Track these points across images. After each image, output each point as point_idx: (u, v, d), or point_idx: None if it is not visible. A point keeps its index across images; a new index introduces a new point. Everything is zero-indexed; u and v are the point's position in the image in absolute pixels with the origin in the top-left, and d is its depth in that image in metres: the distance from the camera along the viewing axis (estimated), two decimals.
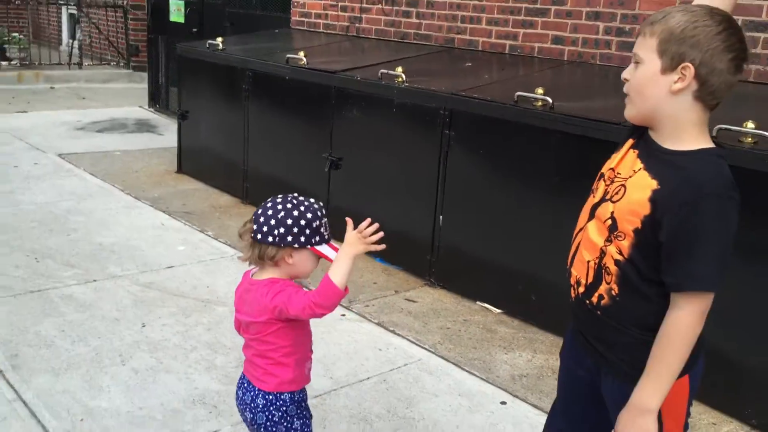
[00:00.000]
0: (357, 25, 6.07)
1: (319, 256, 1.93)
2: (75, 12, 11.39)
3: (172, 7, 8.61)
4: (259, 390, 1.96)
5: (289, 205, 1.91)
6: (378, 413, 2.89)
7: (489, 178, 3.86)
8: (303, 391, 2.04)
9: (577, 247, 1.77)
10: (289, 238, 1.88)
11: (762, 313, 2.87)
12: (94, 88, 10.61)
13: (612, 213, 1.66)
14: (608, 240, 1.66)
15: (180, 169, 6.32)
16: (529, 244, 3.67)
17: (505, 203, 3.77)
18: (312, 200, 1.97)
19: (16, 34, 11.82)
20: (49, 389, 2.88)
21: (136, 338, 3.34)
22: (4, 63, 10.77)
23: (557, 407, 2.00)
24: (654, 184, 1.59)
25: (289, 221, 1.88)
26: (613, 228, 1.65)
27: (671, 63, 1.56)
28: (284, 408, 1.96)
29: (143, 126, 8.22)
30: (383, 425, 2.81)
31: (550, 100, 3.52)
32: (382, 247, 1.92)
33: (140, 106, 9.32)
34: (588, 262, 1.71)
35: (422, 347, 3.46)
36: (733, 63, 1.55)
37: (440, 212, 4.09)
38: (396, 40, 5.73)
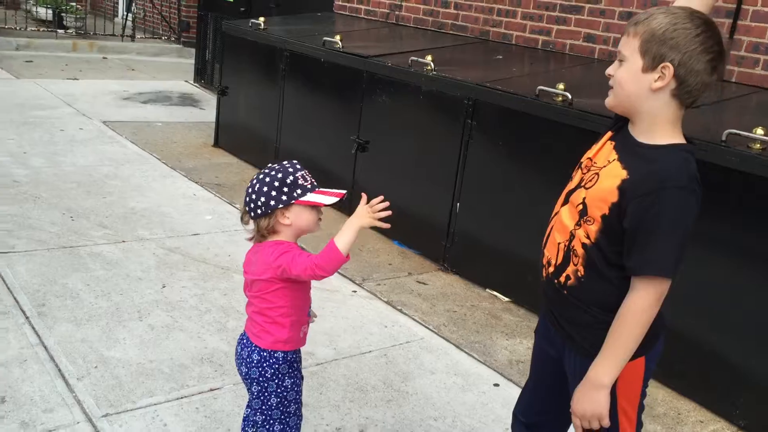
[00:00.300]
0: (397, 12, 6.17)
1: (309, 204, 1.99)
2: None
3: None
4: (255, 346, 2.08)
5: (261, 176, 2.01)
6: (374, 384, 3.02)
7: (507, 169, 3.94)
8: (296, 352, 2.16)
9: (551, 230, 1.87)
10: (272, 203, 1.96)
11: (756, 315, 2.91)
12: (144, 60, 10.91)
13: (584, 199, 1.76)
14: (578, 224, 1.76)
15: (217, 143, 6.52)
16: (541, 235, 3.74)
17: (520, 194, 3.85)
18: (285, 162, 2.04)
19: (73, 4, 12.19)
20: (69, 337, 3.07)
21: (156, 297, 3.52)
22: (60, 31, 11.12)
23: (528, 383, 2.10)
24: (624, 174, 1.68)
25: (266, 188, 1.97)
26: (583, 213, 1.75)
27: (652, 62, 1.65)
28: (276, 365, 2.08)
29: (186, 100, 8.46)
30: (377, 395, 2.94)
31: (570, 96, 3.58)
32: (387, 225, 2.01)
33: (186, 81, 9.57)
34: (559, 243, 1.81)
35: (426, 327, 3.57)
36: (710, 64, 1.64)
37: (458, 199, 4.18)
38: (433, 29, 5.81)
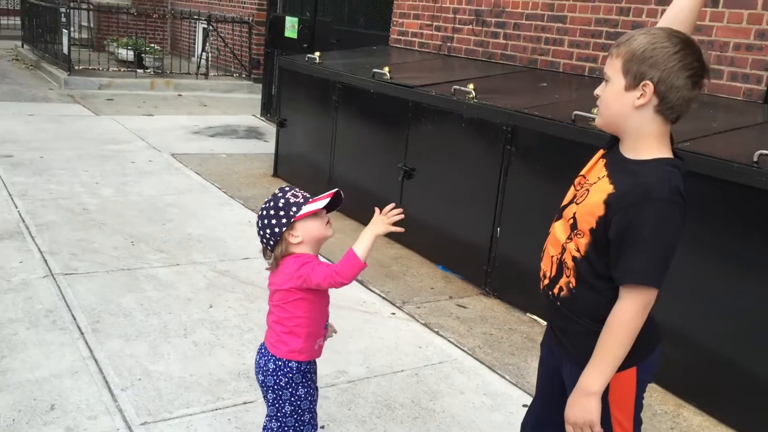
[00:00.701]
0: (449, 44, 6.31)
1: (309, 215, 2.10)
2: (206, 26, 12.29)
3: (287, 24, 9.19)
4: (271, 355, 2.21)
5: (261, 213, 2.16)
6: (402, 402, 3.09)
7: (545, 193, 3.96)
8: (311, 363, 2.27)
9: (546, 244, 1.93)
10: (277, 229, 2.10)
11: (756, 320, 2.85)
12: (216, 97, 11.42)
13: (574, 213, 1.82)
14: (569, 238, 1.82)
15: (276, 173, 6.77)
16: None
17: None
18: (275, 191, 2.18)
19: (153, 45, 12.89)
20: (118, 352, 3.27)
21: (202, 316, 3.70)
22: (140, 71, 11.77)
23: (536, 395, 2.14)
24: (611, 188, 1.74)
25: (266, 221, 2.12)
26: (573, 227, 1.81)
27: (634, 81, 1.72)
28: (291, 374, 2.20)
29: (252, 132, 8.80)
30: (404, 412, 3.01)
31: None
32: (401, 229, 2.11)
33: (253, 115, 9.96)
34: (552, 256, 1.87)
35: (461, 349, 3.62)
36: (690, 80, 1.70)
37: (498, 224, 4.23)
38: (483, 59, 5.92)
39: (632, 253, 1.68)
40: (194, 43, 14.55)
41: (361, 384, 3.20)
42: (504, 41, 5.72)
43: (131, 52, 12.21)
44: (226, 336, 3.52)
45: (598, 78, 4.92)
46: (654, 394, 3.33)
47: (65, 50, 11.13)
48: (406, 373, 3.34)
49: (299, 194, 2.14)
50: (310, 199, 2.14)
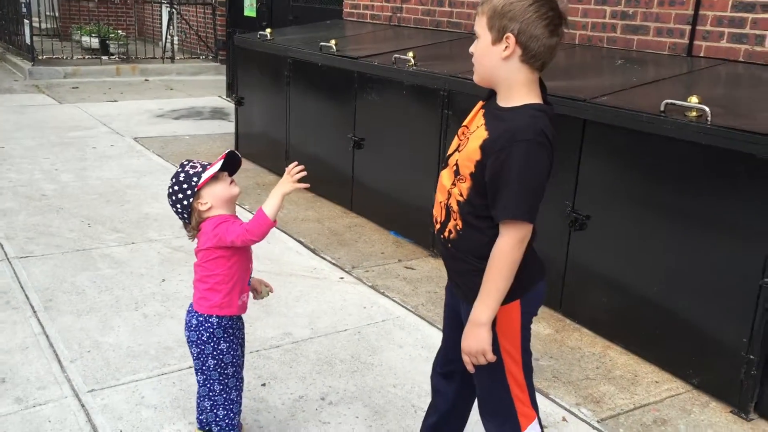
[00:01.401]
0: (398, 15, 6.39)
1: (210, 180, 2.22)
2: (170, 9, 12.27)
3: (246, 3, 9.22)
4: (195, 311, 2.34)
5: (169, 190, 2.29)
6: (342, 358, 3.23)
7: None
8: (233, 319, 2.38)
9: (436, 192, 2.07)
10: (185, 202, 2.24)
11: (704, 276, 3.00)
12: (183, 80, 11.44)
13: (456, 161, 1.95)
14: (453, 183, 1.96)
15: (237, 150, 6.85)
16: None
17: None
18: (180, 165, 2.31)
19: (118, 31, 12.86)
20: (69, 327, 3.40)
21: (154, 290, 3.83)
22: (105, 58, 11.77)
23: (443, 335, 2.29)
24: (486, 134, 1.88)
25: (174, 197, 2.26)
26: (456, 173, 1.95)
27: (498, 35, 1.86)
28: (211, 329, 2.32)
29: (217, 114, 8.87)
30: (343, 367, 3.15)
31: None
32: (306, 185, 2.24)
33: (219, 96, 10.02)
34: (440, 202, 2.01)
35: (404, 307, 3.77)
36: (547, 29, 1.83)
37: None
38: (431, 28, 6.01)
39: (503, 191, 1.82)
40: (160, 28, 14.51)
41: (304, 344, 3.34)
42: (449, 9, 5.81)
43: (96, 40, 12.21)
44: (177, 307, 3.65)
45: None
46: (584, 338, 3.49)
47: (28, 40, 11.11)
48: (348, 332, 3.48)
49: (197, 164, 2.28)
50: (208, 166, 2.26)
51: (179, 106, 9.18)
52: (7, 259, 4.12)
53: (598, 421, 2.86)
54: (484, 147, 1.86)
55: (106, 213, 4.98)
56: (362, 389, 3.00)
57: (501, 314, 1.92)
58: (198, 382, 2.39)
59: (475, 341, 1.91)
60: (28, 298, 3.65)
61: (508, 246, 1.85)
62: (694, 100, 2.99)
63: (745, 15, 3.78)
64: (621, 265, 3.35)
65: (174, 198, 2.27)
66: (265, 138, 6.31)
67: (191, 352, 2.38)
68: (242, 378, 2.44)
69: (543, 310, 3.74)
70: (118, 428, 2.67)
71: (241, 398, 2.46)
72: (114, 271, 4.04)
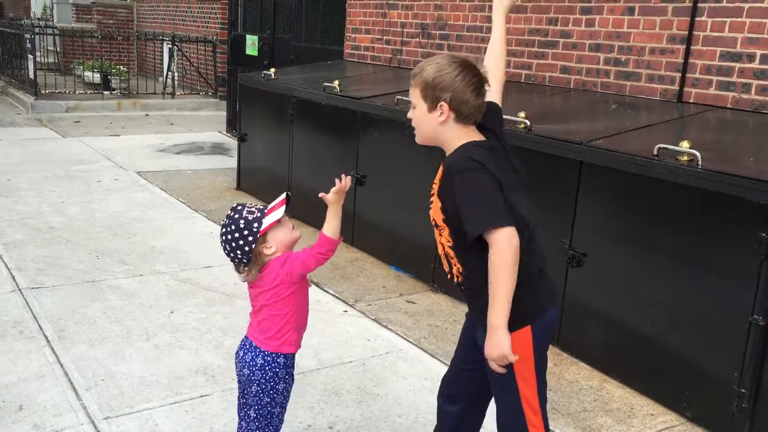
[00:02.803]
0: (398, 56, 6.61)
1: (273, 225, 2.29)
2: (171, 46, 12.52)
3: (248, 42, 9.45)
4: (260, 350, 2.38)
5: (224, 237, 2.32)
6: (349, 389, 3.34)
7: None
8: (294, 357, 2.47)
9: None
10: (246, 248, 2.28)
11: (698, 313, 3.14)
12: (183, 115, 11.64)
13: (431, 215, 2.16)
14: (439, 234, 2.18)
15: (239, 186, 7.01)
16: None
17: None
18: (229, 211, 2.35)
19: (120, 67, 13.08)
20: (82, 356, 3.50)
21: (163, 321, 3.93)
22: (107, 92, 11.96)
23: (453, 357, 2.43)
24: (438, 184, 2.13)
25: (234, 243, 2.28)
26: (436, 225, 2.19)
27: (432, 104, 2.11)
28: (277, 369, 2.39)
29: (217, 149, 9.04)
30: (350, 398, 3.26)
31: (528, 122, 3.91)
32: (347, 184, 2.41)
33: (219, 132, 10.20)
34: (441, 255, 2.23)
35: (407, 340, 3.89)
36: (474, 93, 2.08)
37: None
38: None
39: (463, 214, 1.99)
40: (161, 63, 14.75)
41: (311, 375, 3.45)
42: (448, 52, 6.03)
43: (98, 75, 12.40)
44: (186, 338, 3.76)
45: (533, 84, 5.25)
46: (581, 372, 3.62)
47: (31, 75, 11.30)
48: (353, 363, 3.60)
49: (254, 209, 2.32)
50: (266, 210, 2.33)
51: (180, 141, 9.35)
52: (19, 289, 4.22)
53: None
54: (438, 194, 2.11)
55: (114, 246, 5.10)
56: (369, 419, 3.11)
57: (514, 340, 2.03)
58: (248, 415, 2.46)
59: (495, 346, 2.01)
60: (41, 328, 3.75)
61: (495, 254, 1.97)
62: (685, 145, 3.17)
63: (733, 64, 3.99)
64: (617, 301, 3.49)
65: (234, 244, 2.28)
66: (268, 174, 6.46)
67: (250, 389, 2.42)
68: (283, 419, 2.53)
69: None
70: None
71: None
72: (123, 302, 4.15)
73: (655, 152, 3.25)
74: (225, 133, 10.10)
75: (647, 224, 3.32)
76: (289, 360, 2.44)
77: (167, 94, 12.23)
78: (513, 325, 2.03)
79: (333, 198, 2.37)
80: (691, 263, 3.14)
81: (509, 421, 2.19)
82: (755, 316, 2.91)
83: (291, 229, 2.38)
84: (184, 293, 4.34)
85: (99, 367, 3.40)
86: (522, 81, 5.36)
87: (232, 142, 9.37)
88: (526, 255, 2.05)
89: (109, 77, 12.39)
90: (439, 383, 3.37)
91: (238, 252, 2.29)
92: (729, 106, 4.04)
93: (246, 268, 2.34)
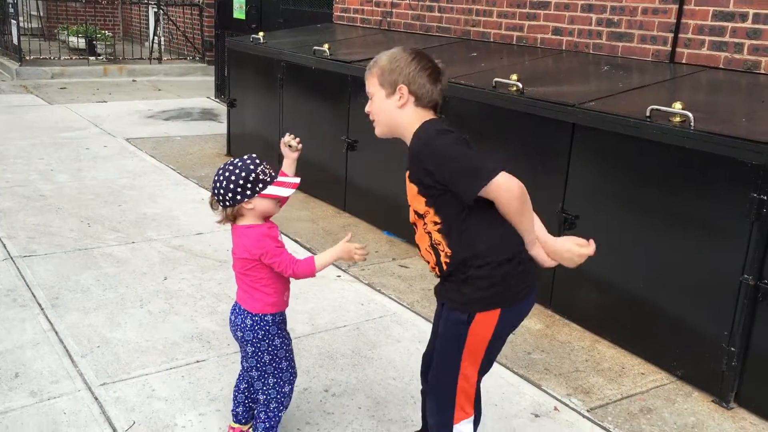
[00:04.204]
0: (388, 19, 6.53)
1: (271, 197, 2.33)
2: (156, 10, 12.32)
3: (235, 5, 9.31)
4: (247, 312, 2.43)
5: (227, 172, 2.32)
6: (343, 353, 3.37)
7: None
8: (282, 314, 2.52)
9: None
10: (238, 197, 2.29)
11: (688, 273, 3.17)
12: (171, 81, 11.51)
13: (410, 207, 2.17)
14: (424, 224, 2.13)
15: (229, 152, 6.97)
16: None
17: None
18: (246, 157, 2.37)
19: (105, 32, 12.88)
20: (77, 324, 3.50)
21: (157, 288, 3.94)
22: (92, 58, 11.80)
23: (432, 328, 2.45)
24: (407, 172, 2.11)
25: (232, 185, 2.30)
26: (418, 215, 2.14)
27: (390, 89, 2.13)
28: (267, 327, 2.44)
29: (206, 114, 8.96)
30: (345, 361, 3.29)
31: (521, 86, 3.89)
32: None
33: (208, 97, 10.10)
34: (425, 249, 2.18)
35: (400, 304, 3.91)
36: (430, 77, 2.11)
37: None
38: (421, 32, 6.16)
39: (454, 181, 1.97)
40: (146, 28, 14.54)
41: (306, 339, 3.47)
42: (439, 14, 5.97)
43: (83, 40, 12.23)
44: (180, 304, 3.76)
45: (525, 46, 5.21)
46: (573, 333, 3.66)
47: (15, 41, 11.12)
48: (348, 327, 3.62)
49: (267, 171, 2.33)
50: (276, 180, 2.34)
51: (169, 107, 9.26)
52: (11, 258, 4.21)
53: (588, 411, 3.02)
54: (411, 180, 2.09)
55: (105, 213, 5.08)
56: (363, 381, 3.14)
57: (479, 318, 2.05)
58: (251, 377, 2.50)
59: (533, 254, 2.10)
60: (34, 296, 3.75)
61: (502, 205, 1.98)
62: (677, 106, 3.16)
63: (725, 24, 3.97)
64: (609, 263, 3.51)
65: (229, 186, 2.29)
66: (258, 139, 6.42)
67: (245, 350, 2.47)
68: (295, 372, 2.57)
69: (534, 307, 3.88)
70: (132, 419, 2.78)
71: (292, 392, 2.56)
72: (116, 269, 4.15)
73: (647, 113, 3.25)
74: (214, 98, 10.01)
75: (639, 186, 3.33)
76: (278, 317, 2.47)
77: (154, 59, 12.07)
78: (483, 305, 2.04)
79: (346, 248, 2.37)
80: (683, 224, 3.16)
81: (441, 381, 2.17)
82: (745, 276, 2.94)
83: (277, 206, 2.40)
84: (177, 260, 4.34)
85: (94, 334, 3.41)
86: (513, 43, 5.32)
87: (221, 108, 9.28)
88: (503, 239, 2.05)
89: (95, 42, 12.22)
90: None
91: (228, 194, 2.31)
92: (721, 66, 4.03)
93: (222, 210, 2.38)
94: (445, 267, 2.11)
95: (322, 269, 2.36)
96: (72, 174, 5.98)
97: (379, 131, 2.20)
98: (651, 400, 3.11)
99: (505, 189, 1.95)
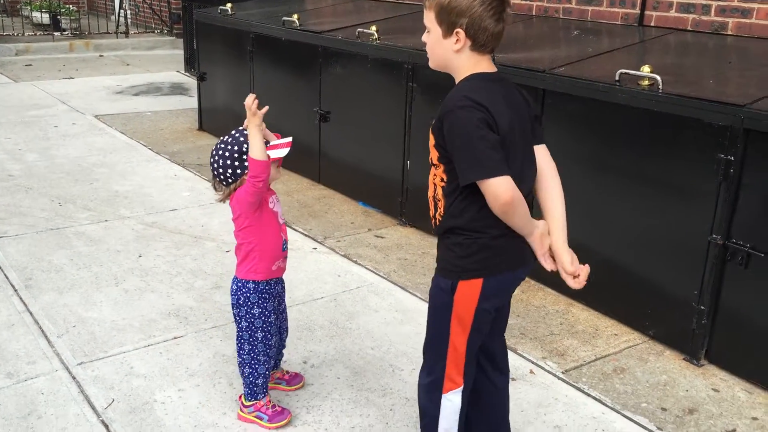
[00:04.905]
0: None
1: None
2: None
3: None
4: (234, 277, 2.53)
5: (221, 151, 2.39)
6: (321, 324, 3.39)
7: None
8: (270, 284, 2.54)
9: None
10: (238, 171, 2.38)
11: (657, 234, 3.22)
12: (139, 55, 11.32)
13: (429, 153, 2.08)
14: (434, 174, 2.06)
15: (201, 127, 6.90)
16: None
17: None
18: (234, 131, 2.43)
19: (69, 6, 12.59)
20: (52, 304, 3.48)
21: (132, 266, 3.91)
22: (57, 33, 11.54)
23: None
24: (434, 120, 2.02)
25: (228, 161, 2.37)
26: (432, 164, 2.07)
27: (447, 30, 1.96)
28: (247, 294, 2.50)
29: (176, 89, 8.84)
30: (323, 332, 3.31)
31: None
32: (264, 109, 2.37)
33: (177, 71, 9.96)
34: (430, 199, 2.13)
35: (377, 274, 3.93)
36: (493, 18, 1.93)
37: (408, 156, 4.51)
38: (391, 1, 6.10)
39: (456, 159, 1.93)
40: (112, 2, 14.22)
41: None
42: None
43: (47, 15, 11.95)
44: (156, 281, 3.75)
45: None
46: (548, 297, 3.71)
47: None
48: (325, 299, 3.64)
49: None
50: (269, 145, 2.36)
51: (138, 82, 9.12)
52: None
53: (563, 372, 3.08)
54: (432, 130, 2.00)
55: (76, 192, 5.02)
56: (342, 352, 3.16)
57: (462, 287, 2.03)
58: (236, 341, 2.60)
59: (533, 246, 2.07)
60: (7, 277, 3.71)
61: (491, 204, 1.93)
62: (646, 69, 3.18)
63: None
64: (581, 227, 3.54)
65: (227, 162, 2.36)
66: (230, 113, 6.35)
67: (233, 315, 2.57)
68: (272, 346, 2.60)
69: None
70: (111, 397, 2.79)
71: (269, 365, 2.62)
72: (90, 248, 4.11)
73: (616, 78, 3.27)
74: (183, 72, 9.86)
75: (610, 149, 3.36)
76: (261, 286, 2.51)
77: (120, 33, 11.85)
78: (464, 273, 2.02)
79: (249, 119, 2.33)
80: (653, 186, 3.20)
81: (432, 349, 2.17)
82: (714, 236, 2.99)
83: (277, 168, 2.44)
84: (152, 237, 4.31)
85: (69, 314, 3.39)
86: None
87: (192, 82, 9.15)
88: (489, 219, 1.98)
89: (59, 17, 11.95)
90: (408, 314, 3.47)
91: (228, 170, 2.37)
92: (689, 28, 4.05)
93: (226, 189, 2.43)
94: (437, 224, 2.10)
95: (260, 150, 2.29)
96: (41, 153, 5.89)
97: (432, 65, 2.07)
98: (624, 360, 3.18)
99: (492, 194, 1.91)
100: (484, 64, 2.00)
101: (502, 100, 1.96)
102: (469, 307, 2.07)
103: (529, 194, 2.09)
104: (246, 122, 2.35)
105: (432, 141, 2.01)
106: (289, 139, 2.44)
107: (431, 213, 2.14)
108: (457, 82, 2.02)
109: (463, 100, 1.91)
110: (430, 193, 2.12)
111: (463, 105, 1.90)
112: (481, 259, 2.02)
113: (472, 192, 1.97)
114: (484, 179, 1.90)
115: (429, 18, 2.00)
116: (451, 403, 2.16)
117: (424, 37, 2.05)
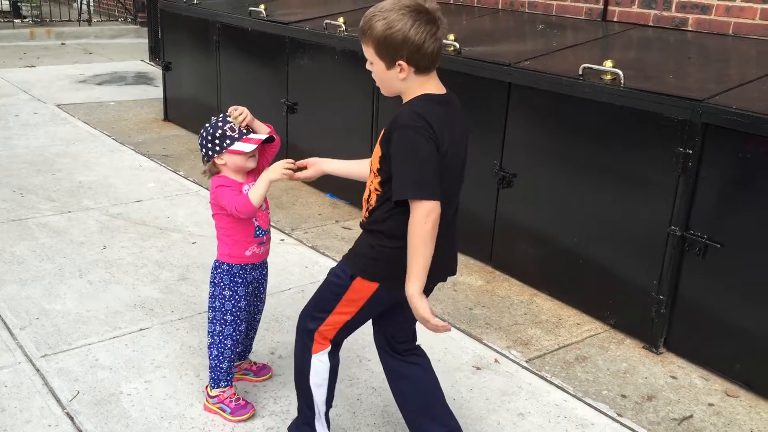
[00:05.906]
0: None
1: (235, 153, 2.45)
2: None
3: None
4: (214, 257, 2.61)
5: (204, 131, 2.51)
6: (289, 315, 3.40)
7: None
8: (244, 268, 2.58)
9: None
10: (210, 152, 2.49)
11: (617, 225, 3.29)
12: (102, 43, 11.13)
13: (371, 160, 2.14)
14: (371, 181, 2.11)
15: (166, 117, 6.83)
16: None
17: None
18: (220, 115, 2.52)
19: None
20: (15, 296, 3.43)
21: (96, 257, 3.88)
22: (17, 21, 11.31)
23: None
24: (382, 132, 2.06)
25: (204, 141, 2.50)
26: (371, 171, 2.12)
27: (390, 63, 2.00)
28: (221, 275, 2.57)
29: (141, 78, 8.73)
30: (290, 323, 3.32)
31: (458, 45, 3.92)
32: (300, 178, 2.43)
33: (142, 60, 9.82)
34: (363, 201, 2.17)
35: None
36: (431, 42, 1.96)
37: (373, 147, 4.52)
38: None
39: (393, 174, 1.97)
40: None
41: None
42: None
43: (7, 2, 11.69)
44: (121, 273, 3.72)
45: (462, 5, 5.22)
46: (513, 288, 3.77)
47: None
48: (292, 290, 3.65)
49: (236, 128, 2.47)
50: (244, 137, 2.46)
51: (101, 71, 8.98)
52: None
53: (526, 361, 3.13)
54: (380, 142, 2.04)
55: (38, 182, 4.94)
56: None
57: (358, 282, 2.13)
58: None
59: (415, 312, 2.03)
60: None
61: (413, 224, 1.95)
62: (608, 64, 3.24)
63: None
64: (545, 219, 3.61)
65: (203, 143, 2.50)
66: (196, 103, 6.31)
67: None
68: (241, 332, 2.65)
69: (475, 264, 4.00)
70: (76, 389, 2.77)
71: (236, 351, 2.67)
72: (53, 240, 4.06)
73: (580, 72, 3.32)
74: (148, 61, 9.73)
75: (573, 143, 3.42)
76: (235, 269, 2.56)
77: (83, 21, 11.64)
78: (366, 273, 2.11)
79: (275, 166, 2.38)
80: (615, 179, 3.27)
81: (312, 304, 2.32)
82: (672, 227, 3.07)
83: (248, 158, 2.49)
84: (116, 228, 4.28)
85: (32, 306, 3.35)
86: (451, 2, 5.32)
87: (156, 71, 9.03)
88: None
89: (19, 4, 11.70)
90: None
91: (203, 150, 2.52)
92: (651, 23, 4.13)
93: (205, 165, 2.56)
94: (363, 222, 2.16)
95: (261, 199, 2.38)
96: (1, 142, 5.78)
97: (386, 93, 2.10)
98: (586, 349, 3.25)
99: (424, 214, 1.93)
100: (431, 83, 2.05)
101: (446, 124, 2.00)
102: (357, 302, 2.18)
103: (456, 213, 2.16)
104: (268, 169, 2.40)
105: (378, 152, 2.05)
106: (262, 136, 2.51)
107: (362, 212, 2.19)
108: (405, 101, 2.05)
109: (415, 119, 1.94)
110: (365, 196, 2.17)
111: (414, 124, 1.94)
112: (384, 268, 2.10)
113: (401, 208, 2.00)
114: (420, 200, 1.93)
115: (369, 52, 2.03)
116: (322, 363, 2.29)
117: (369, 67, 2.07)
